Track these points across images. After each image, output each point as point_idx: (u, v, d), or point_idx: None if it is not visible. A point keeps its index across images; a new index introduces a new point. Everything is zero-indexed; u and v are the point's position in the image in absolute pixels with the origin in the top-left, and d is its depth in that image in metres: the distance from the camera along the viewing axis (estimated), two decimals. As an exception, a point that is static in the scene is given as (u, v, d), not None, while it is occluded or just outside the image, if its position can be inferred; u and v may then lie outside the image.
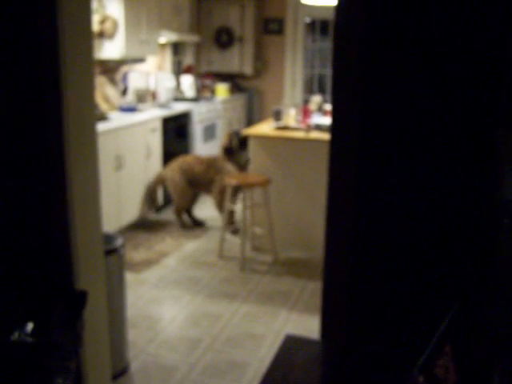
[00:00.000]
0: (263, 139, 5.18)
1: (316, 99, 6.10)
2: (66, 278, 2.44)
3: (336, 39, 2.07)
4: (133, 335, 3.63)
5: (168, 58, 7.55)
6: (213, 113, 7.30)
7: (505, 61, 1.83)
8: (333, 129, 2.10)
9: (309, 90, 8.51)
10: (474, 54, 1.88)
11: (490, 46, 1.86)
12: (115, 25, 5.65)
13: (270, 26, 8.31)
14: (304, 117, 5.36)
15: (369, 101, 2.02)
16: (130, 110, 5.90)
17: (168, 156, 6.14)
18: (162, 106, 6.45)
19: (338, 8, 2.02)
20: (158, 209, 6.12)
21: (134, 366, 3.37)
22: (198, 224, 5.90)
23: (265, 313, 4.05)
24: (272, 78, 8.47)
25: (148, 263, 4.89)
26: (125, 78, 6.42)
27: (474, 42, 1.88)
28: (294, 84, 8.41)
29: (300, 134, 5.05)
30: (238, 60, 8.17)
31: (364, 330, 2.18)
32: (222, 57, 8.21)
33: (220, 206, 5.60)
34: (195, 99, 7.18)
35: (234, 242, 5.27)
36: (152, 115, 5.90)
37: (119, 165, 5.25)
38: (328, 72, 8.32)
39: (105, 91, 5.94)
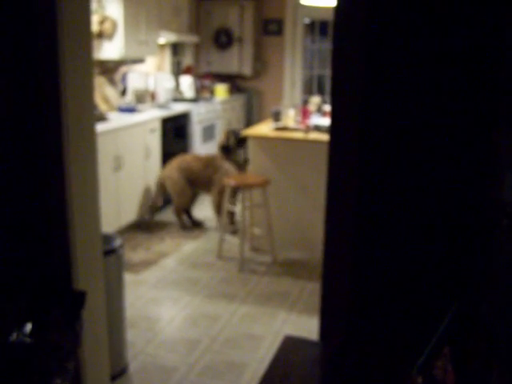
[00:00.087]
0: (262, 140, 5.18)
1: (315, 100, 6.10)
2: (65, 278, 2.44)
3: (335, 40, 2.07)
4: (132, 336, 3.63)
5: (167, 58, 7.55)
6: (212, 113, 7.30)
7: (504, 61, 1.83)
8: (332, 130, 2.10)
9: (308, 90, 8.51)
10: (474, 54, 1.88)
11: (490, 46, 1.86)
12: (114, 25, 5.65)
13: (270, 27, 8.31)
14: (303, 117, 5.36)
15: (368, 102, 2.02)
16: (129, 110, 5.90)
17: (167, 156, 6.14)
18: (162, 106, 6.44)
19: (338, 9, 2.02)
20: (157, 210, 6.12)
21: (133, 366, 3.36)
22: (196, 224, 5.90)
23: (264, 313, 4.05)
24: (271, 78, 8.47)
25: (147, 264, 4.89)
26: (124, 78, 6.42)
27: (474, 42, 1.88)
28: (293, 85, 8.42)
29: (299, 135, 5.05)
30: (238, 61, 8.17)
31: (363, 330, 2.17)
32: (222, 57, 8.21)
33: (218, 206, 5.59)
34: (194, 100, 7.18)
35: (232, 242, 5.27)
36: (151, 116, 5.90)
37: (118, 165, 5.25)
38: (327, 73, 8.32)
39: (104, 91, 5.94)
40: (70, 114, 2.31)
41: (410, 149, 2.00)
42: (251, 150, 5.25)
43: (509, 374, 1.51)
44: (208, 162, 5.69)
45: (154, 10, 6.37)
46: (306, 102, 7.14)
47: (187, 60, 8.10)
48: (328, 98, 7.28)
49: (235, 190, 5.37)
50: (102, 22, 5.58)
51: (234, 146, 5.72)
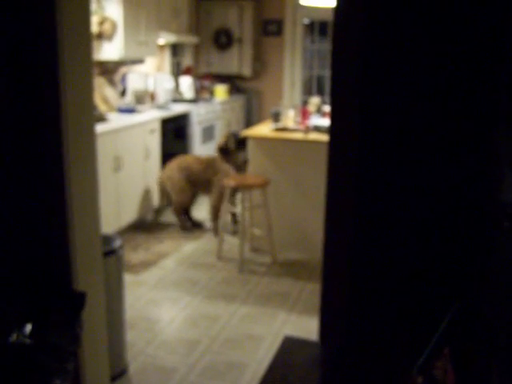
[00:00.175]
0: (262, 140, 5.18)
1: (315, 100, 6.10)
2: (65, 279, 2.44)
3: (335, 40, 2.07)
4: (131, 337, 3.63)
5: (167, 59, 7.55)
6: (212, 114, 7.30)
7: (504, 61, 1.83)
8: (332, 130, 2.10)
9: (307, 91, 8.51)
10: (474, 55, 1.88)
11: (490, 47, 1.86)
12: (114, 26, 5.65)
13: (269, 28, 8.32)
14: (303, 118, 5.36)
15: (367, 102, 2.02)
16: (129, 111, 5.90)
17: (167, 157, 6.14)
18: (161, 107, 6.44)
19: (337, 9, 2.03)
20: (158, 210, 6.12)
21: (133, 367, 3.36)
22: (196, 225, 5.90)
23: (263, 314, 4.05)
24: (271, 79, 8.48)
25: (146, 264, 4.89)
26: (123, 79, 6.43)
27: (474, 42, 1.88)
28: (293, 85, 8.42)
29: (299, 136, 5.05)
30: (237, 61, 8.17)
31: (362, 331, 2.18)
32: (221, 58, 8.22)
33: (216, 210, 5.60)
34: (194, 100, 7.18)
35: (232, 243, 5.27)
36: (151, 116, 5.90)
37: (118, 166, 5.25)
38: (327, 73, 8.32)
39: (103, 92, 5.94)
40: (69, 114, 2.32)
41: (410, 149, 2.00)
42: (251, 151, 5.25)
43: (509, 374, 1.51)
44: (208, 164, 5.70)
45: (153, 10, 6.37)
46: (305, 103, 7.15)
47: (187, 61, 8.10)
48: (327, 98, 7.28)
49: (234, 191, 5.37)
50: (101, 23, 5.58)
51: (234, 148, 5.72)
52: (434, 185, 1.99)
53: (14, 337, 2.06)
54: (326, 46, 8.31)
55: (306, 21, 8.31)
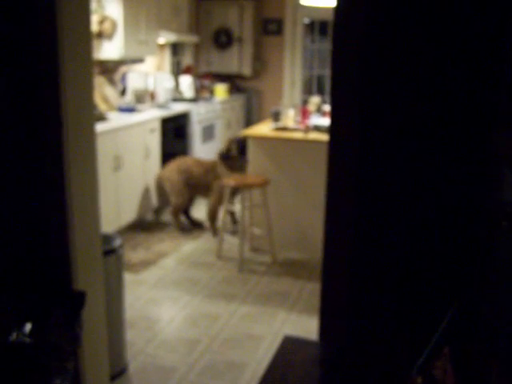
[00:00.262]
0: (262, 140, 5.18)
1: (315, 100, 6.10)
2: (65, 278, 2.44)
3: (335, 40, 2.07)
4: (131, 336, 3.63)
5: (167, 58, 7.55)
6: (212, 113, 7.30)
7: (504, 62, 1.83)
8: (332, 130, 2.10)
9: (308, 90, 8.51)
10: (474, 55, 1.88)
11: (490, 47, 1.86)
12: (114, 25, 5.65)
13: (269, 27, 8.31)
14: (303, 117, 5.36)
15: (368, 102, 2.02)
16: (129, 110, 5.89)
17: (167, 156, 6.14)
18: (161, 106, 6.44)
19: (337, 9, 2.02)
20: (157, 210, 6.12)
21: (133, 366, 3.36)
22: (195, 225, 5.90)
23: (263, 313, 4.05)
24: (271, 78, 8.47)
25: (146, 264, 4.89)
26: (124, 78, 6.42)
27: (474, 43, 1.88)
28: (293, 85, 8.42)
29: (299, 135, 5.05)
30: (237, 60, 8.17)
31: (362, 330, 2.18)
32: (221, 57, 8.21)
33: (213, 213, 5.60)
34: (194, 100, 7.18)
35: (232, 242, 5.27)
36: (151, 116, 5.90)
37: (118, 165, 5.25)
38: (327, 73, 8.32)
39: (103, 91, 5.94)
40: (69, 113, 2.31)
41: (410, 149, 2.00)
42: (251, 150, 5.25)
43: (508, 374, 1.51)
44: (209, 168, 5.68)
45: (153, 9, 6.37)
46: (305, 102, 7.15)
47: (187, 60, 8.09)
48: (328, 97, 7.28)
49: (234, 192, 5.37)
50: (101, 22, 5.58)
51: (237, 154, 5.71)
52: (434, 184, 1.99)
53: (13, 336, 2.06)
54: (326, 45, 8.31)
55: (307, 20, 8.31)
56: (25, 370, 2.04)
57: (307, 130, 5.13)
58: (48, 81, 2.27)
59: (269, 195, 5.02)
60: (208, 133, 7.21)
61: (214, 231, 5.60)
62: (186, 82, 7.40)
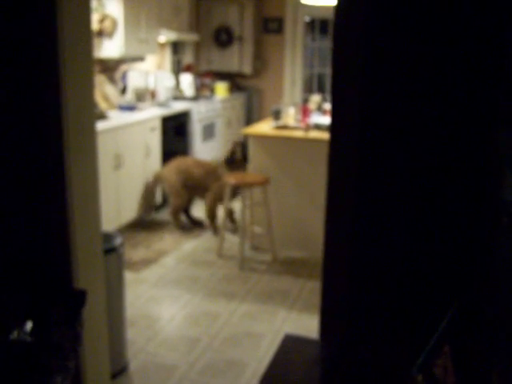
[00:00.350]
0: (262, 138, 5.18)
1: (315, 98, 6.10)
2: (65, 276, 2.44)
3: (336, 38, 2.07)
4: (132, 334, 3.63)
5: (167, 56, 7.55)
6: (212, 112, 7.30)
7: (505, 61, 1.83)
8: (332, 128, 2.10)
9: (308, 89, 8.50)
10: (475, 54, 1.88)
11: (491, 46, 1.86)
12: (114, 23, 5.65)
13: (270, 25, 8.31)
14: (303, 116, 5.36)
15: (368, 100, 2.02)
16: (130, 108, 5.89)
17: (167, 155, 6.14)
18: (162, 104, 6.44)
19: (338, 8, 2.02)
20: (157, 208, 6.12)
21: (133, 365, 3.37)
22: (195, 224, 5.90)
23: (264, 312, 4.05)
24: (271, 77, 8.47)
25: (147, 262, 4.89)
26: (124, 76, 6.42)
27: (475, 41, 1.88)
28: (294, 83, 8.41)
29: (299, 134, 5.05)
30: (238, 59, 8.17)
31: (363, 329, 2.18)
32: (222, 56, 8.21)
33: (211, 212, 5.60)
34: (194, 98, 7.18)
35: (233, 240, 5.28)
36: (151, 114, 5.90)
37: (118, 164, 5.25)
38: (327, 71, 8.31)
39: (104, 90, 5.94)
40: (70, 112, 2.32)
41: (410, 148, 2.00)
42: (251, 149, 5.25)
43: (509, 373, 1.51)
44: (209, 171, 5.66)
45: (154, 8, 6.37)
46: (306, 101, 7.14)
47: (187, 58, 8.09)
48: (328, 96, 7.27)
49: (235, 192, 5.37)
50: (102, 21, 5.58)
51: (241, 158, 5.70)
52: (434, 183, 1.99)
53: (14, 334, 2.06)
54: (326, 43, 8.30)
55: (307, 19, 8.31)
56: (25, 369, 2.04)
57: (308, 128, 5.13)
58: (48, 79, 2.27)
59: (269, 193, 5.02)
60: (208, 131, 7.20)
61: (215, 230, 5.60)
62: (187, 81, 7.40)
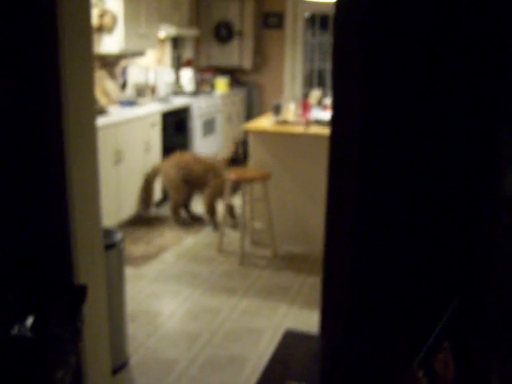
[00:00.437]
0: (262, 134, 5.17)
1: (316, 93, 6.09)
2: (66, 272, 2.44)
3: (336, 34, 2.06)
4: (132, 330, 3.64)
5: (167, 52, 7.54)
6: (212, 107, 7.29)
7: (507, 56, 1.83)
8: (333, 123, 2.10)
9: (308, 84, 8.49)
10: (477, 48, 1.88)
11: (492, 41, 1.86)
12: (114, 19, 5.63)
13: (270, 21, 8.29)
14: (303, 111, 5.35)
15: (369, 95, 2.02)
16: (130, 104, 5.89)
17: (167, 150, 6.14)
18: (162, 100, 6.44)
19: (338, 3, 2.02)
20: (158, 204, 6.12)
21: (134, 360, 3.37)
22: (195, 219, 5.90)
23: (264, 307, 4.06)
24: (272, 72, 8.46)
25: (147, 258, 4.90)
26: (124, 72, 6.41)
27: (477, 35, 1.87)
28: (294, 78, 8.40)
29: (299, 129, 5.04)
30: (238, 54, 8.15)
31: (363, 324, 2.18)
32: (222, 51, 8.20)
33: (210, 207, 5.61)
34: (195, 93, 7.17)
35: (233, 236, 5.28)
36: (151, 109, 5.89)
37: (119, 159, 5.25)
38: (328, 66, 8.30)
39: (104, 85, 5.93)
40: (70, 108, 2.31)
41: (411, 143, 2.00)
42: (251, 144, 5.24)
43: (509, 368, 1.51)
44: (209, 167, 5.65)
45: (153, 3, 6.35)
46: (306, 96, 7.13)
47: (187, 53, 8.08)
48: (328, 91, 7.26)
49: (235, 188, 5.37)
50: (101, 16, 5.57)
51: (242, 156, 5.70)
52: (435, 179, 1.99)
53: (15, 330, 2.07)
54: (326, 39, 8.29)
55: (307, 14, 8.29)
56: (26, 364, 2.04)
57: (308, 123, 5.12)
58: (49, 75, 2.27)
59: (269, 189, 5.02)
60: (208, 127, 7.20)
61: (215, 225, 5.60)
62: (187, 76, 7.39)
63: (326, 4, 7.12)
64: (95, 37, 5.57)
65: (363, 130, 2.04)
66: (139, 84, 6.29)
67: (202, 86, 7.69)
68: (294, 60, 8.34)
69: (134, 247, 5.10)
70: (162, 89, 6.70)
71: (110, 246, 3.03)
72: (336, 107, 2.09)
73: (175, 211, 5.73)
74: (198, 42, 8.25)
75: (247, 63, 8.19)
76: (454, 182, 1.97)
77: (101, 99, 5.73)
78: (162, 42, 7.28)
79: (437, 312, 1.77)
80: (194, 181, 5.68)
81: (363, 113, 2.03)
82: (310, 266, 4.78)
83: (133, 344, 3.51)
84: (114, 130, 5.17)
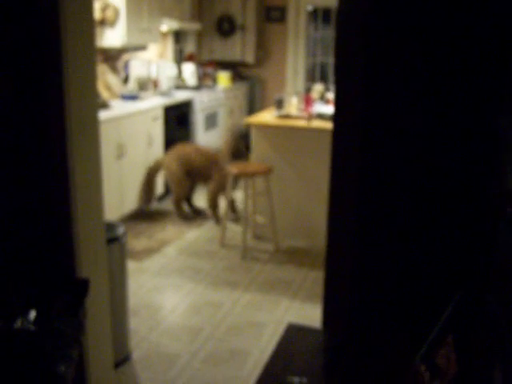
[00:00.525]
0: (265, 128, 5.17)
1: (318, 87, 6.08)
2: (69, 266, 2.45)
3: (338, 27, 2.05)
4: (134, 324, 3.64)
5: (169, 46, 7.52)
6: (214, 101, 7.28)
7: (509, 50, 1.82)
8: (335, 117, 2.09)
9: (311, 78, 8.48)
10: (479, 41, 1.87)
11: (494, 34, 1.85)
12: (117, 12, 5.62)
13: (272, 14, 8.27)
14: (306, 105, 5.34)
15: (371, 89, 2.01)
16: (132, 98, 5.88)
17: (170, 144, 6.13)
18: (164, 94, 6.43)
19: (341, -4, 2.01)
20: (160, 198, 6.12)
21: (136, 354, 3.38)
22: (197, 213, 5.90)
23: (266, 301, 4.06)
24: (274, 66, 8.44)
25: (149, 252, 4.90)
26: (126, 66, 6.41)
27: (479, 28, 1.86)
28: (296, 72, 8.39)
29: (302, 123, 5.04)
30: (240, 48, 8.14)
31: (366, 318, 2.18)
32: (224, 45, 8.18)
33: (213, 201, 5.61)
34: (197, 87, 7.16)
35: (235, 230, 5.28)
36: (153, 103, 5.89)
37: (121, 153, 5.25)
38: (330, 60, 8.29)
39: (106, 79, 5.93)
40: (72, 102, 2.31)
41: (414, 137, 1.99)
42: (254, 138, 5.24)
43: (511, 362, 1.51)
44: (211, 160, 5.65)
45: (156, -3, 6.34)
46: (308, 90, 7.12)
47: (189, 47, 8.07)
48: (331, 85, 7.25)
49: (236, 180, 5.36)
50: (104, 9, 5.56)
51: (243, 150, 5.69)
52: (438, 173, 1.99)
53: (18, 323, 2.07)
54: (329, 33, 8.27)
55: (310, 8, 8.27)
56: (29, 357, 2.05)
57: (310, 117, 5.11)
58: (51, 69, 2.27)
59: (272, 183, 5.01)
60: (211, 121, 7.19)
61: (217, 219, 5.60)
62: (189, 70, 7.38)
63: (329, -2, 7.10)
64: (97, 30, 5.56)
65: (365, 124, 2.04)
66: (141, 78, 6.28)
67: (205, 80, 7.68)
68: (297, 54, 8.32)
69: (136, 241, 5.11)
70: (165, 83, 6.70)
71: (112, 240, 3.03)
72: (338, 101, 2.08)
73: (178, 205, 5.73)
74: (200, 35, 8.23)
75: (249, 57, 8.18)
76: (456, 176, 1.97)
77: (103, 93, 5.72)
78: (164, 35, 7.27)
79: (439, 307, 1.77)
80: (196, 173, 5.68)
81: (365, 107, 2.03)
82: (312, 260, 4.78)
83: (135, 338, 3.51)
84: (117, 124, 5.17)
